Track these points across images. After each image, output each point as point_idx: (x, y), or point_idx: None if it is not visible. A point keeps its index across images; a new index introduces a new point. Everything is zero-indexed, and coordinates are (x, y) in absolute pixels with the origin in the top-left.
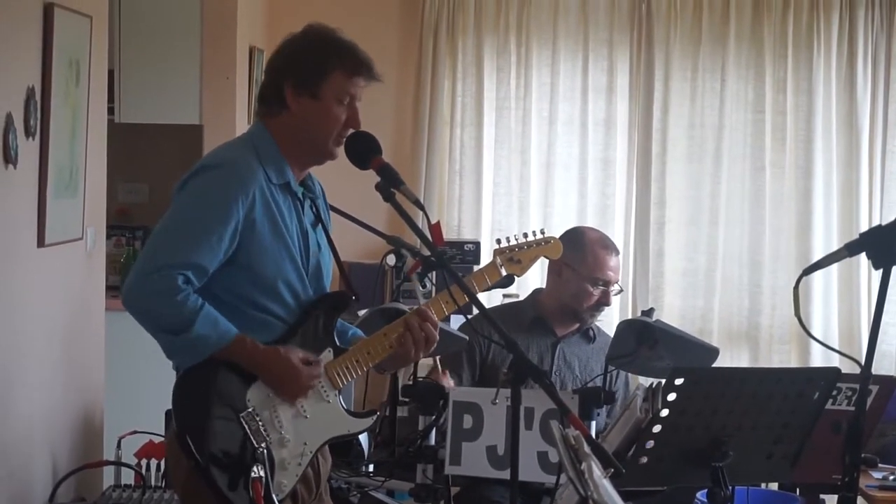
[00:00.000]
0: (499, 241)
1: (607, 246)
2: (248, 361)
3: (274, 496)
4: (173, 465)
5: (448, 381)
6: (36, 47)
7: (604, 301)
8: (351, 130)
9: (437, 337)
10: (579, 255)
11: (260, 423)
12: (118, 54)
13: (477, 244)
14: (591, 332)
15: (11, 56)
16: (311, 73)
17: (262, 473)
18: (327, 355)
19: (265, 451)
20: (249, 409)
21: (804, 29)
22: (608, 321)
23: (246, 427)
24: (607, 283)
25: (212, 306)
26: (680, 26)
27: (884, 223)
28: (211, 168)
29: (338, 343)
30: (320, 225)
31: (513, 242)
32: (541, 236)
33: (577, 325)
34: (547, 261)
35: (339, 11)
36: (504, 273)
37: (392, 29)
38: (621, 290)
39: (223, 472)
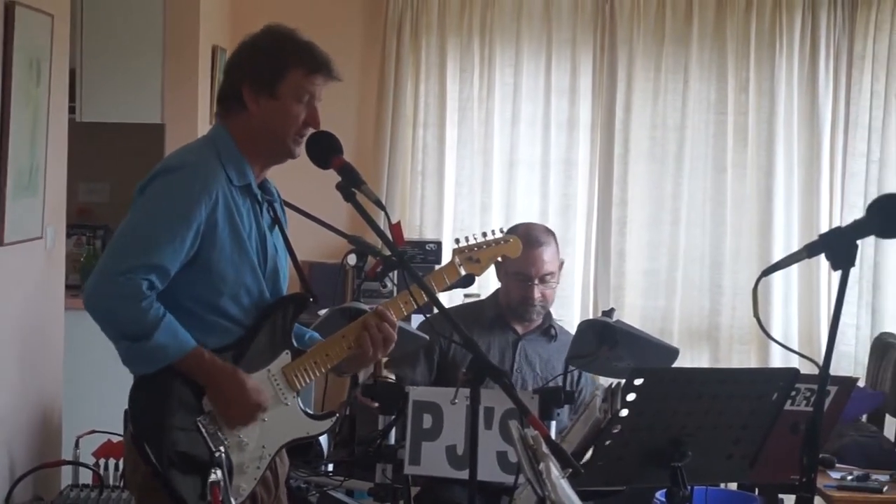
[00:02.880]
0: (458, 241)
1: (530, 240)
2: (203, 376)
3: (232, 500)
4: (130, 467)
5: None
6: None
7: (528, 294)
8: (311, 129)
9: (396, 337)
10: None
11: (218, 427)
12: (80, 53)
13: (439, 244)
14: (552, 331)
15: None
16: (268, 73)
17: (220, 477)
18: (285, 358)
19: (223, 454)
20: (207, 414)
21: (767, 30)
22: (569, 321)
23: (204, 431)
24: (527, 278)
25: (170, 310)
26: (643, 27)
27: (843, 224)
28: (173, 170)
29: (295, 345)
30: (277, 227)
31: (472, 242)
32: (500, 235)
33: (532, 324)
34: None
35: (303, 10)
36: (463, 273)
37: (355, 28)
38: (556, 284)
39: (181, 477)
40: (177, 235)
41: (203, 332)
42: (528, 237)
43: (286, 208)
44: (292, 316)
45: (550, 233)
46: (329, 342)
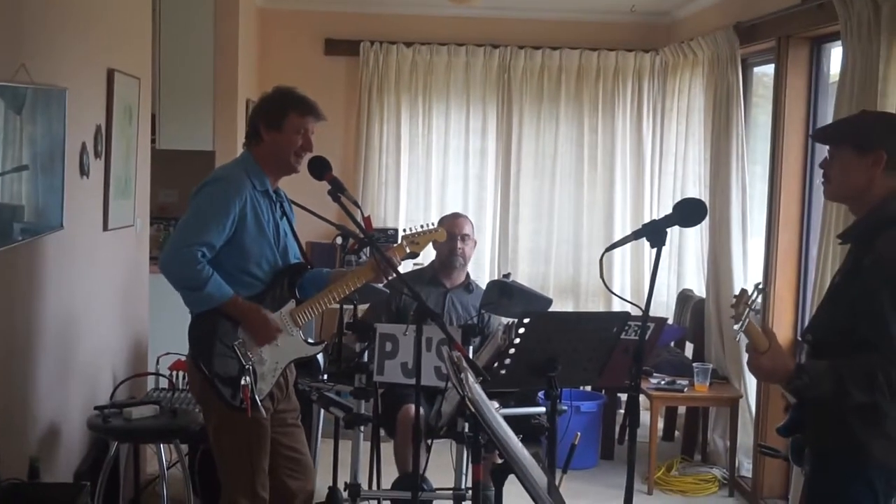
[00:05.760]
0: (405, 230)
1: (454, 215)
2: (238, 314)
3: (257, 397)
4: (191, 378)
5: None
6: (102, 98)
7: (453, 247)
8: (308, 154)
9: (394, 264)
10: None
11: (247, 349)
12: (158, 102)
13: (395, 230)
14: (470, 287)
15: (86, 105)
16: (275, 114)
17: (248, 382)
18: (291, 304)
19: (251, 367)
20: (240, 340)
21: (610, 90)
22: (482, 280)
23: (237, 352)
24: (453, 236)
25: (217, 273)
26: (529, 88)
27: (658, 218)
28: (217, 180)
29: (298, 296)
30: (285, 219)
31: (414, 231)
32: (432, 227)
33: (457, 281)
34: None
35: (306, 76)
36: (408, 251)
37: (341, 87)
38: (472, 244)
39: (223, 381)
40: (219, 223)
41: (238, 287)
42: (453, 214)
43: (294, 206)
44: (296, 276)
45: (467, 217)
46: (320, 296)
